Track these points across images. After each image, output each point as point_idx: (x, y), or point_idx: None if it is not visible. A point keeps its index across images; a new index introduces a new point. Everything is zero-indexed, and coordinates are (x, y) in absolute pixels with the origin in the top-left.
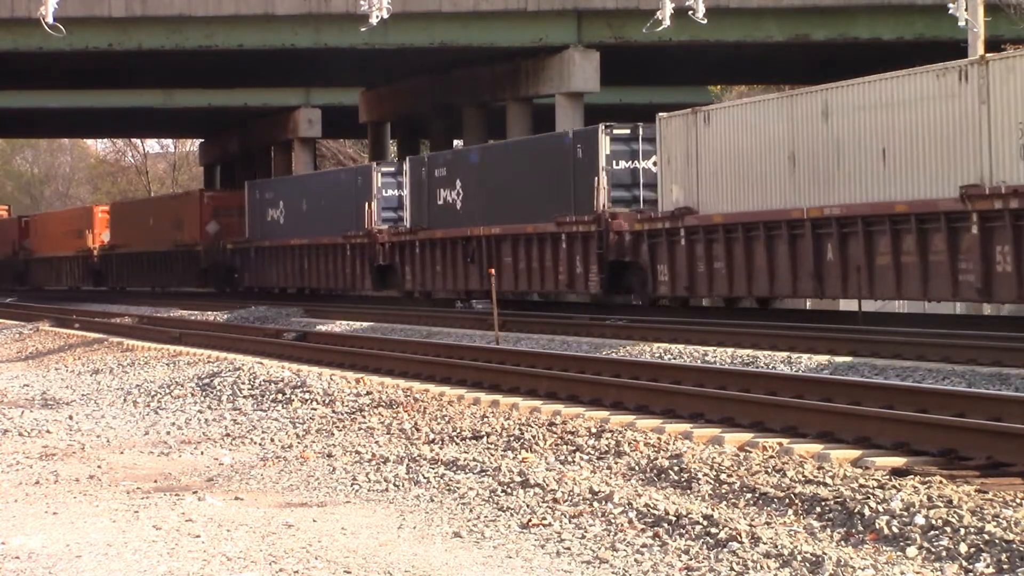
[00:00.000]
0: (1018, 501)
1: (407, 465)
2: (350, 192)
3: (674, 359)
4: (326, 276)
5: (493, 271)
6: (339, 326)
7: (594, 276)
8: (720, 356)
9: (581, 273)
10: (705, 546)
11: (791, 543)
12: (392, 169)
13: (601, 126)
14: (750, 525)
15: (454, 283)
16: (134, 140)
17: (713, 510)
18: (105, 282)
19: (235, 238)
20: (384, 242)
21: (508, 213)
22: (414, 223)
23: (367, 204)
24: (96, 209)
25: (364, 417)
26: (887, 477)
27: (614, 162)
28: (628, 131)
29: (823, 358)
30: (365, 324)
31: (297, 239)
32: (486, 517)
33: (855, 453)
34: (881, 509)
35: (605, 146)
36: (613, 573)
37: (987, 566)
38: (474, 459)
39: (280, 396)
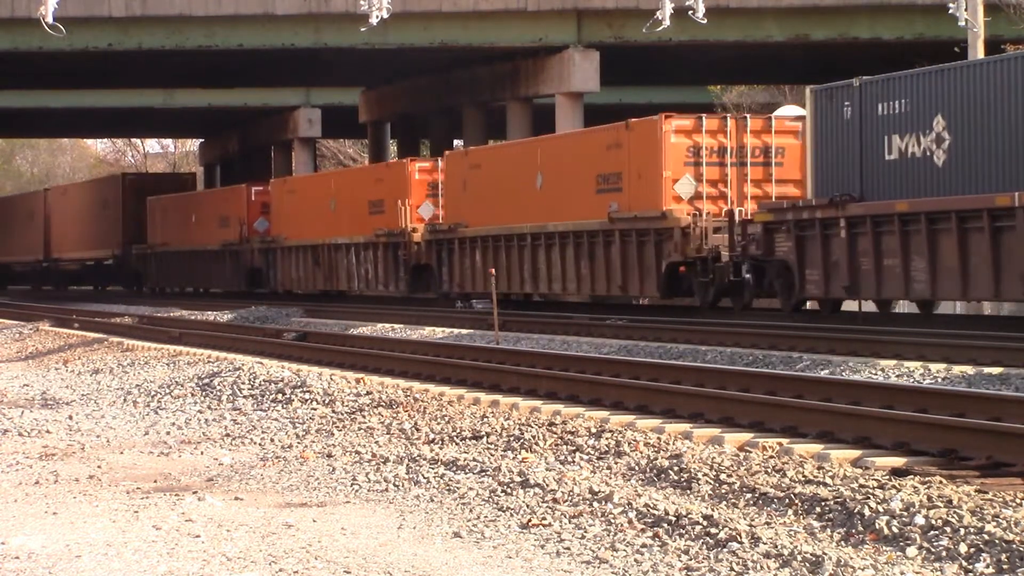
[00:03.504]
0: (1018, 501)
1: (407, 465)
2: None
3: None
4: None
5: (493, 271)
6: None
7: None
8: (720, 356)
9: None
10: (705, 546)
11: (791, 543)
12: None
13: None
14: (750, 525)
15: None
16: (134, 140)
17: (713, 510)
18: None
19: (768, 202)
20: None
21: None
22: None
23: None
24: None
25: (364, 417)
26: (887, 477)
27: None
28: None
29: (823, 358)
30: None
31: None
32: (486, 517)
33: (855, 453)
34: (881, 509)
35: None
36: (613, 573)
37: (987, 566)
38: (474, 459)
39: (280, 396)
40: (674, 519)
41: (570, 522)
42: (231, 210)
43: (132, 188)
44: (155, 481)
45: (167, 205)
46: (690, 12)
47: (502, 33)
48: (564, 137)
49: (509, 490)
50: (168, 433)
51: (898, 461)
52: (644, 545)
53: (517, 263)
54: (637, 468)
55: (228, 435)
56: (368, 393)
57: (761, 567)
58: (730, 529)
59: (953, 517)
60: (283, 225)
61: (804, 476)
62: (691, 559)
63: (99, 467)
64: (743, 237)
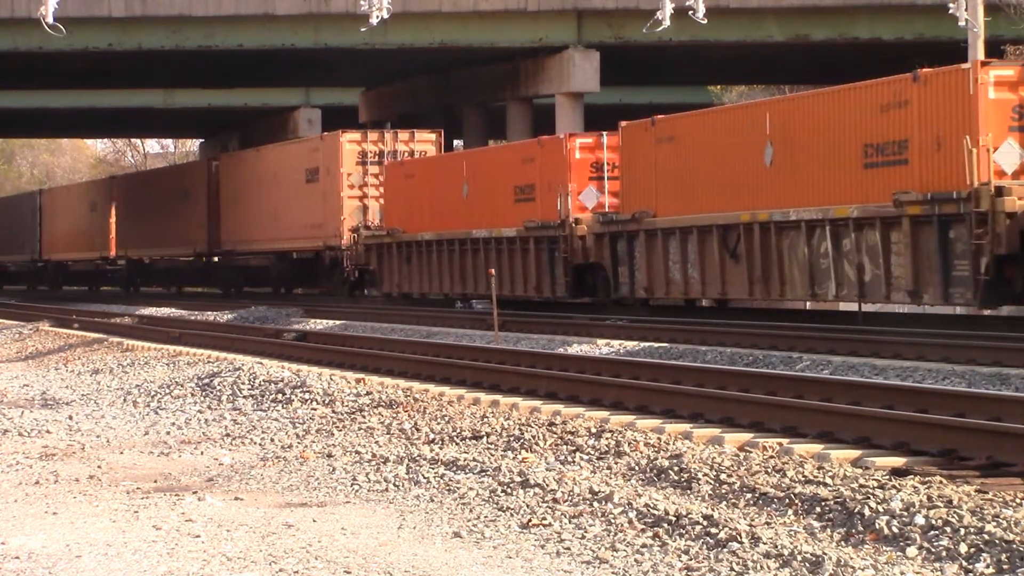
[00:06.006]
0: (1018, 501)
1: (407, 465)
2: None
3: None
4: None
5: (493, 271)
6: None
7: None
8: (720, 356)
9: None
10: (705, 546)
11: (791, 543)
12: None
13: None
14: (750, 525)
15: None
16: (134, 140)
17: (713, 510)
18: None
19: None
20: None
21: None
22: None
23: None
24: None
25: (364, 417)
26: (887, 477)
27: None
28: None
29: (823, 358)
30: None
31: None
32: (486, 517)
33: (855, 453)
34: (881, 509)
35: None
36: (613, 573)
37: (987, 566)
38: (474, 459)
39: (280, 396)
40: (674, 519)
41: (570, 522)
42: (539, 175)
43: (356, 149)
44: (155, 481)
45: (417, 172)
46: (690, 12)
47: (502, 33)
48: None
49: (509, 490)
50: (168, 433)
51: (898, 461)
52: (644, 545)
53: None
54: (637, 468)
55: (228, 435)
56: (368, 393)
57: (761, 567)
58: (730, 529)
59: (953, 517)
60: (643, 193)
61: (804, 476)
62: (691, 559)
63: (99, 467)
64: None
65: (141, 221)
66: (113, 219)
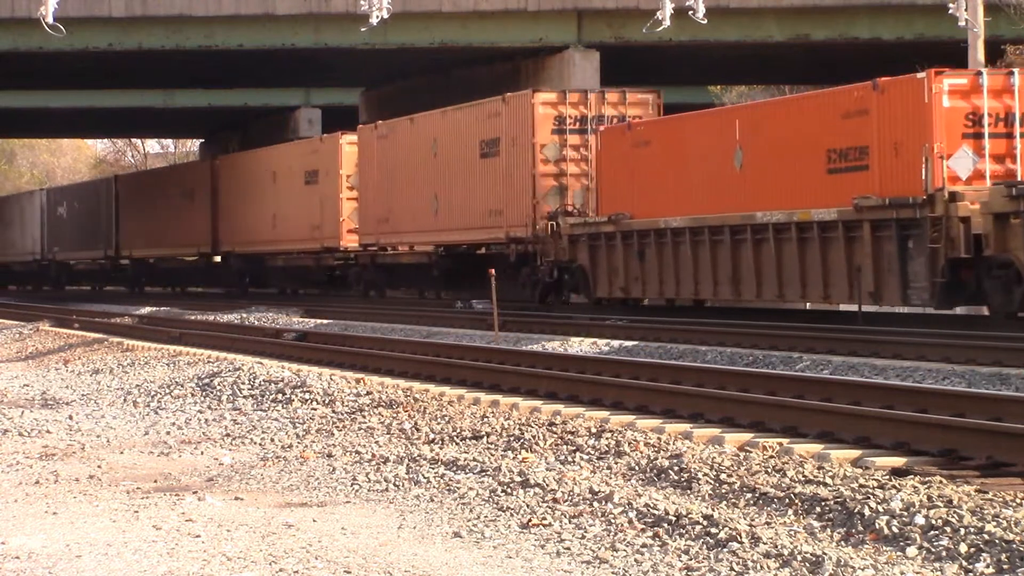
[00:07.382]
0: (1018, 501)
1: (407, 465)
2: None
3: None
4: None
5: (493, 271)
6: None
7: None
8: (720, 356)
9: None
10: (705, 546)
11: (791, 543)
12: None
13: None
14: (750, 525)
15: None
16: (134, 140)
17: (713, 510)
18: None
19: None
20: None
21: None
22: None
23: None
24: None
25: (364, 417)
26: (887, 477)
27: None
28: None
29: (823, 358)
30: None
31: None
32: (486, 517)
33: (855, 453)
34: (881, 509)
35: None
36: (613, 573)
37: (987, 566)
38: (474, 459)
39: (280, 396)
40: (674, 519)
41: (570, 522)
42: (876, 132)
43: (551, 114)
44: (155, 481)
45: (655, 138)
46: (690, 12)
47: (502, 33)
48: None
49: (509, 490)
50: (168, 433)
51: (898, 461)
52: (644, 545)
53: None
54: (637, 468)
55: (228, 435)
56: (368, 393)
57: (761, 567)
58: (730, 529)
59: (953, 517)
60: None
61: (804, 476)
62: (691, 559)
63: (99, 467)
64: None
65: (251, 211)
66: (213, 209)
